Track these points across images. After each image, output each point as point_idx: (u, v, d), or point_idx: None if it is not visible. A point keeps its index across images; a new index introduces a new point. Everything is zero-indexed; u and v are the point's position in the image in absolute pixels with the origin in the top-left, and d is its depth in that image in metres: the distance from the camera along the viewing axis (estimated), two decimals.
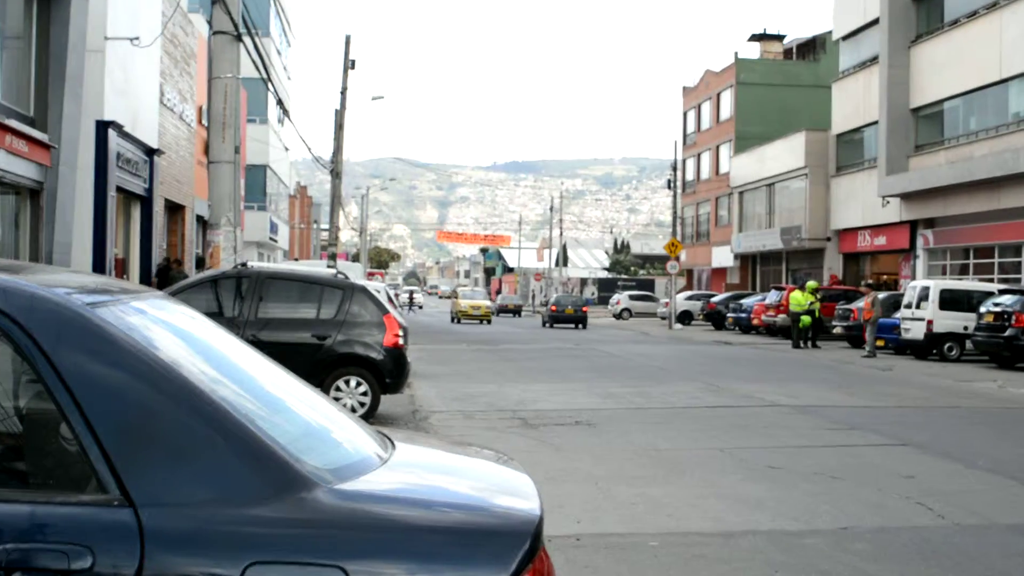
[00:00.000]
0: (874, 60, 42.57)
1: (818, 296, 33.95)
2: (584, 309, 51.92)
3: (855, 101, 45.29)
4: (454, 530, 2.71)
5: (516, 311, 69.82)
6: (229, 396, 2.84)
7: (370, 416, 13.13)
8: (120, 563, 2.49)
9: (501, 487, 3.19)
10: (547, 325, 51.95)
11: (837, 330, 34.72)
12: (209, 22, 20.87)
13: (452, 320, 55.43)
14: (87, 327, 2.74)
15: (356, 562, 2.55)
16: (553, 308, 52.29)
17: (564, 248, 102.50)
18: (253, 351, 3.54)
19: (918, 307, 28.56)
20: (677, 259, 50.33)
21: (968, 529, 8.00)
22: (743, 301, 45.90)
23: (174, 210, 31.60)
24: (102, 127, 22.20)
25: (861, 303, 32.34)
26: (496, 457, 3.65)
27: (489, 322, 52.85)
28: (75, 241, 20.35)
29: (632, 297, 68.31)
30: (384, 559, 2.60)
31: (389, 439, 3.44)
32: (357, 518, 2.66)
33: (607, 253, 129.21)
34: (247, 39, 19.64)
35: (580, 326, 49.99)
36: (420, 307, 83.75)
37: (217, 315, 12.94)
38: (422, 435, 6.22)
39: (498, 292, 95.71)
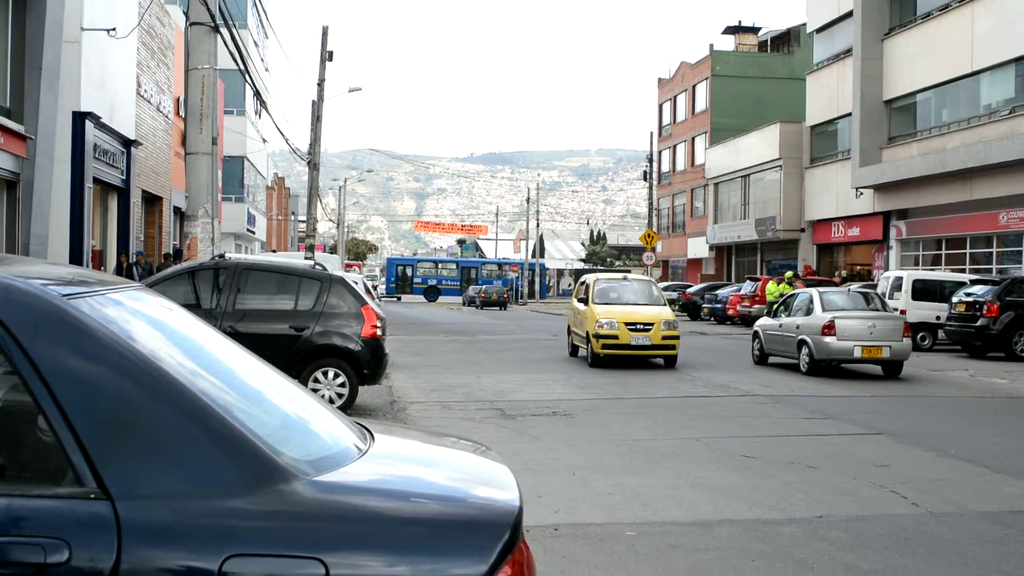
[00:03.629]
0: (848, 52, 42.77)
1: (795, 287, 34.05)
2: (505, 296, 69.99)
3: (829, 93, 45.49)
4: (433, 521, 2.71)
5: (501, 303, 69.39)
6: (207, 388, 2.83)
7: (348, 407, 13.12)
8: (97, 556, 2.47)
9: (480, 478, 3.20)
10: (478, 307, 67.36)
11: None
12: (186, 13, 20.79)
13: (573, 352, 24.43)
14: (63, 318, 2.72)
15: (335, 554, 2.55)
16: (483, 295, 69.20)
17: (541, 239, 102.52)
18: (231, 342, 3.53)
19: (891, 297, 28.74)
20: (653, 250, 50.39)
21: (942, 517, 8.08)
22: (718, 292, 46.03)
23: (151, 201, 31.49)
24: (79, 118, 22.11)
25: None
26: (475, 448, 3.65)
27: (674, 362, 21.68)
28: (52, 232, 20.27)
29: None
30: (363, 551, 2.59)
31: (368, 430, 3.44)
32: (336, 510, 2.66)
33: (583, 244, 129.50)
34: (224, 30, 19.54)
35: (502, 308, 66.33)
36: (399, 298, 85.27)
37: (195, 307, 12.91)
38: (400, 426, 6.25)
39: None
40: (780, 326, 22.00)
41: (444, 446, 3.75)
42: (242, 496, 2.60)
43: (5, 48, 18.67)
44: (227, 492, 2.60)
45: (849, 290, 23.23)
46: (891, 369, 20.47)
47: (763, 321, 23.65)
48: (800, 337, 20.61)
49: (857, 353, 19.81)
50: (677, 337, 21.41)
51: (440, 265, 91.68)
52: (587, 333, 21.66)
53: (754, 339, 23.59)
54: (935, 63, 36.38)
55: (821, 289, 22.70)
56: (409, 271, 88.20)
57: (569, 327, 24.97)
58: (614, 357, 21.26)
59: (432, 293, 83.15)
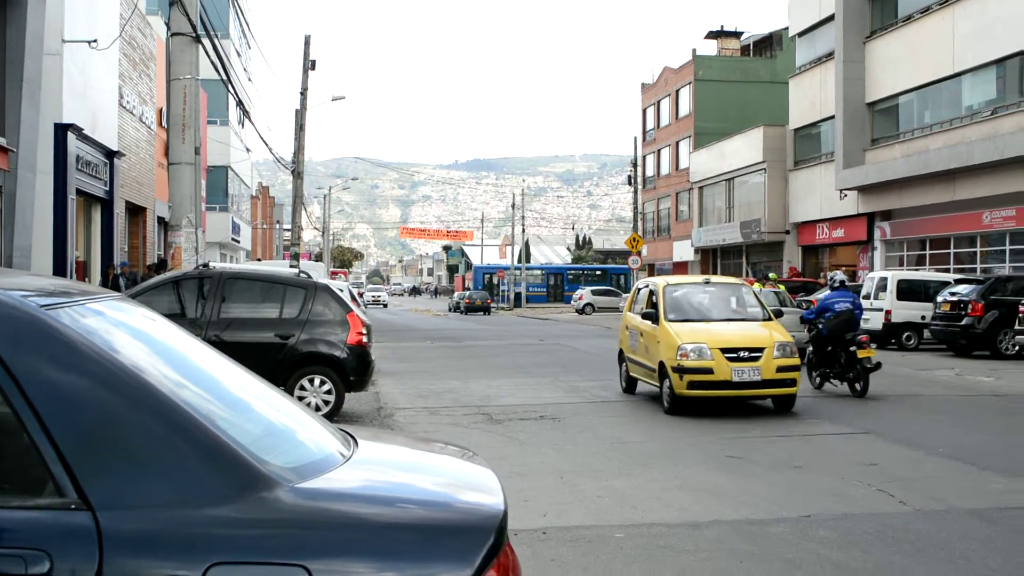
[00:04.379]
0: (830, 56, 42.92)
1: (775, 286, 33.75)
2: (488, 302, 71.07)
3: (812, 96, 45.63)
4: (417, 527, 2.71)
5: (485, 308, 69.57)
6: (188, 397, 2.82)
7: (335, 414, 13.10)
8: (78, 567, 2.46)
9: (464, 483, 3.19)
10: (462, 312, 69.07)
11: None
12: (167, 24, 20.74)
13: (629, 387, 17.45)
14: (43, 330, 2.70)
15: (319, 561, 2.54)
16: (467, 301, 70.67)
17: (527, 245, 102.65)
18: (212, 351, 3.52)
19: (876, 298, 28.84)
20: (639, 254, 50.48)
21: (929, 515, 8.10)
22: None
23: (135, 212, 31.41)
24: (61, 130, 22.03)
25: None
26: (460, 453, 3.64)
27: (791, 404, 14.97)
28: (35, 244, 20.18)
29: (594, 292, 68.42)
30: (347, 557, 2.58)
31: (352, 437, 3.44)
32: (319, 516, 2.65)
33: (569, 249, 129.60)
34: (206, 40, 19.52)
35: (486, 313, 67.46)
36: (385, 305, 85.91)
37: (180, 316, 12.90)
38: (386, 432, 6.23)
39: (465, 289, 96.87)
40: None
41: (429, 451, 3.75)
42: (225, 504, 2.59)
43: None
44: (209, 500, 2.59)
45: (760, 290, 24.07)
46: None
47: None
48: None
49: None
50: (798, 368, 14.73)
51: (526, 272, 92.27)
52: (660, 364, 14.89)
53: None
54: (917, 65, 36.54)
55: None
56: (496, 279, 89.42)
57: (622, 352, 17.60)
58: (706, 400, 14.58)
59: (517, 299, 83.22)
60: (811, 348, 17.91)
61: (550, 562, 6.73)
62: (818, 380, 17.69)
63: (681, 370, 14.24)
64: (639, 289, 17.53)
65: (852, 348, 16.68)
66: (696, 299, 16.34)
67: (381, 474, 3.17)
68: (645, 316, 15.93)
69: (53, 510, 2.52)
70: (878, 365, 16.63)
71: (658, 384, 15.19)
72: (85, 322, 2.87)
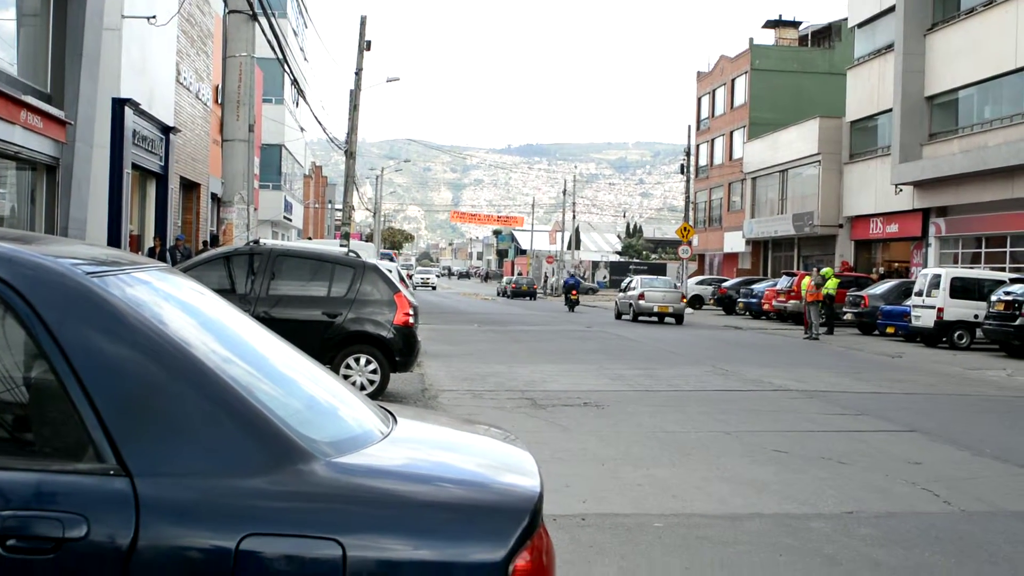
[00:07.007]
0: (889, 48, 42.36)
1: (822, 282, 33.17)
2: (535, 287, 75.07)
3: (869, 88, 45.08)
4: (452, 505, 2.71)
5: (530, 293, 70.51)
6: (229, 369, 2.83)
7: (379, 394, 13.15)
8: (115, 532, 2.49)
9: (501, 464, 3.19)
10: (508, 296, 70.73)
11: (848, 316, 34.64)
12: (225, 1, 20.86)
13: None
14: (88, 297, 2.73)
15: (353, 536, 2.55)
16: (513, 286, 73.16)
17: (577, 231, 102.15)
18: (254, 323, 3.55)
19: (929, 295, 28.47)
20: (689, 244, 50.23)
21: (974, 516, 8.00)
22: (754, 286, 45.78)
23: (189, 188, 31.72)
24: (118, 104, 22.26)
25: (803, 284, 33.46)
26: (496, 434, 3.64)
27: None
28: (90, 217, 20.43)
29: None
30: (381, 532, 2.58)
31: (391, 414, 3.45)
32: (354, 491, 2.66)
33: (619, 237, 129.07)
34: (263, 19, 19.61)
35: (531, 298, 69.77)
36: (434, 288, 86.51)
37: (229, 291, 13.01)
38: (429, 412, 6.21)
39: (517, 274, 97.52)
40: (624, 295, 40.67)
41: (466, 431, 3.76)
42: (260, 475, 2.60)
43: (46, 35, 18.83)
44: (246, 471, 2.61)
45: (657, 277, 42.36)
46: (677, 319, 38.06)
47: (619, 294, 42.27)
48: (629, 301, 39.28)
49: (655, 309, 37.76)
50: None
51: None
52: None
53: (616, 305, 42.61)
54: (978, 59, 35.95)
55: (643, 277, 42.62)
56: None
57: None
58: None
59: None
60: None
61: (588, 548, 6.72)
62: (566, 308, 47.56)
63: None
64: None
65: (571, 295, 48.75)
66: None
67: (418, 452, 3.17)
68: None
69: (92, 475, 2.55)
70: (578, 301, 49.57)
71: None
72: (131, 291, 2.90)
